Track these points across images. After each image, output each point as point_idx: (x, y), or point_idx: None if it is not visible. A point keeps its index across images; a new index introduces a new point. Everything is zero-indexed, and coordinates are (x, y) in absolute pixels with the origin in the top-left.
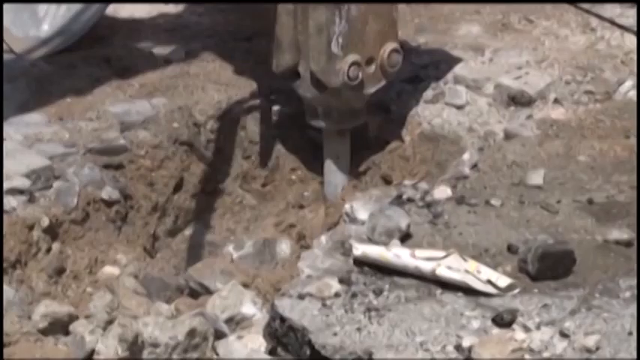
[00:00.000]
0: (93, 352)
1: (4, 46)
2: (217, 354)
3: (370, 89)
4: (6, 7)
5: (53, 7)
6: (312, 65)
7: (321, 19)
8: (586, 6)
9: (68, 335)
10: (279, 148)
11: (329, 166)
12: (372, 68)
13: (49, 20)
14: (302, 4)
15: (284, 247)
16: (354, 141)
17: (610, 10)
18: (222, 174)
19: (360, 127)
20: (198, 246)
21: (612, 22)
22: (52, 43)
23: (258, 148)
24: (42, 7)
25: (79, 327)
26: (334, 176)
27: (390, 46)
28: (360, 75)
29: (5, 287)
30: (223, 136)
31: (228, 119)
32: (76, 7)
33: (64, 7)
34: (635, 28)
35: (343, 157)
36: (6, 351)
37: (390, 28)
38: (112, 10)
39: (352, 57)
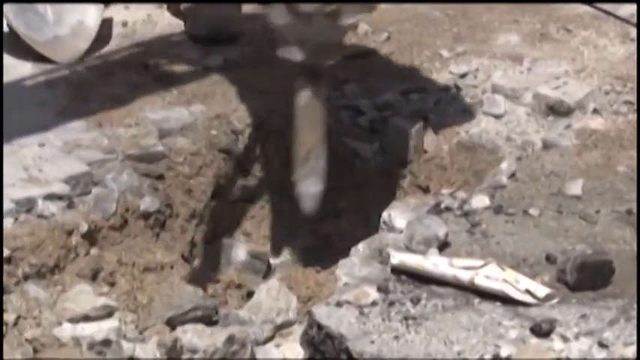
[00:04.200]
0: (131, 358)
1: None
2: None
3: (347, 20)
4: (12, 11)
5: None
6: None
7: None
8: (626, 15)
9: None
10: None
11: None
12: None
13: (51, 13)
14: None
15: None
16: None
17: None
18: (259, 181)
19: (397, 135)
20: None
21: None
22: (74, 43)
23: None
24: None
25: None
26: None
27: None
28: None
29: (42, 292)
30: (261, 143)
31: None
32: None
33: None
34: None
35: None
36: (44, 355)
37: None
38: (150, 16)
39: None
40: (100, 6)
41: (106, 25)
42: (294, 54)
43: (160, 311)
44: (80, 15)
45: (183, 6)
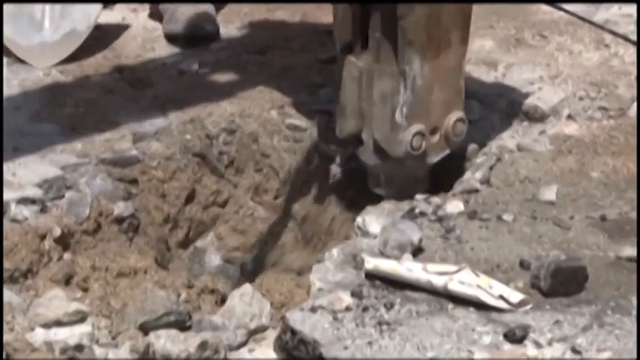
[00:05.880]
0: None
1: (16, 57)
2: None
3: (433, 158)
4: (4, 17)
5: (48, 6)
6: (376, 134)
7: (386, 89)
8: (600, 22)
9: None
10: (291, 162)
11: None
12: (436, 138)
13: (48, 21)
14: (367, 73)
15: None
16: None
17: (624, 27)
18: (234, 186)
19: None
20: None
21: (626, 39)
22: (61, 49)
23: (270, 160)
24: (37, 10)
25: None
26: None
27: (455, 115)
28: (424, 145)
29: (15, 297)
30: (235, 148)
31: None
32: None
33: (58, 6)
34: None
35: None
36: None
37: (455, 96)
38: (125, 20)
39: (416, 127)
40: (96, 13)
41: None
42: (382, 190)
43: (133, 316)
44: (75, 22)
45: (161, 5)
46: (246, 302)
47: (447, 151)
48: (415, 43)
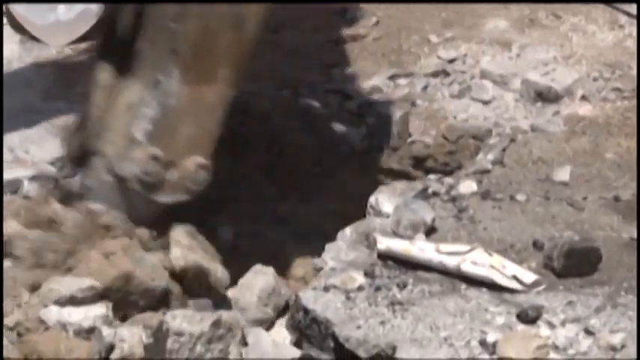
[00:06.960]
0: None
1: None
2: (247, 343)
3: (163, 197)
4: None
5: None
6: (108, 148)
7: (134, 98)
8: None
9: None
10: (304, 141)
11: None
12: (173, 175)
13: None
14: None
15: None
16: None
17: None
18: (246, 164)
19: (383, 120)
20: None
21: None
22: (74, 28)
23: (283, 139)
24: None
25: None
26: None
27: (199, 159)
28: (158, 175)
29: None
30: (248, 126)
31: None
32: None
33: None
34: None
35: None
36: (29, 339)
37: (205, 139)
38: None
39: (154, 150)
40: None
41: None
42: None
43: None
44: (88, 2)
45: None
46: (262, 280)
47: (181, 198)
48: (179, 54)
